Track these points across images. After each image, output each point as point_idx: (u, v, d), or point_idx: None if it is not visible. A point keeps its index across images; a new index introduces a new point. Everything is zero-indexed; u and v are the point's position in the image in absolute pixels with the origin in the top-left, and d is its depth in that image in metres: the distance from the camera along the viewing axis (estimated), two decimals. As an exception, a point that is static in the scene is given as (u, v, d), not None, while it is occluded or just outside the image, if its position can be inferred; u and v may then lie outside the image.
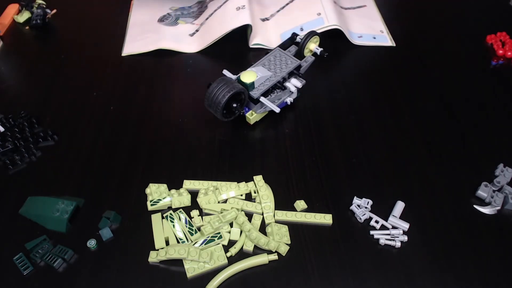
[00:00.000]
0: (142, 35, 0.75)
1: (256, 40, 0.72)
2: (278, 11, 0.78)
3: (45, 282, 0.46)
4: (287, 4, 0.78)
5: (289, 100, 0.61)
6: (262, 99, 0.57)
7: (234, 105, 0.56)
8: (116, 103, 0.64)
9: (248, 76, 0.57)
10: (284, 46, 0.64)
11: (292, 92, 0.61)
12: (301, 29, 0.73)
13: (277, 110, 0.57)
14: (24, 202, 0.51)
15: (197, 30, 0.76)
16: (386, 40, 0.75)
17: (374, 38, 0.75)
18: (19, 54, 0.73)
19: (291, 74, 0.60)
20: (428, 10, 0.82)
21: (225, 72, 0.60)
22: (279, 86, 0.60)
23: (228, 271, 0.46)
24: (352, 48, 0.73)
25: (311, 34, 0.63)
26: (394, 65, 0.71)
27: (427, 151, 0.58)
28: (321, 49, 0.64)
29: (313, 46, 0.64)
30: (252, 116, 0.59)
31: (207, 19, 0.76)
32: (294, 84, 0.60)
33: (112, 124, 0.61)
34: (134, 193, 0.53)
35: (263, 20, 0.75)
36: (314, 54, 0.65)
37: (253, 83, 0.56)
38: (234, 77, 0.58)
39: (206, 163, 0.56)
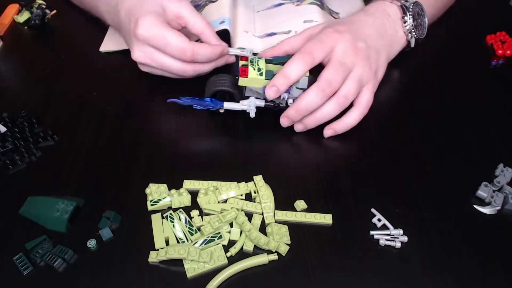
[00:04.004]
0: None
1: (238, 44, 0.70)
2: (261, 11, 0.77)
3: (45, 282, 0.46)
4: (272, 8, 0.77)
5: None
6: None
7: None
8: (117, 103, 0.64)
9: None
10: None
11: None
12: (288, 32, 0.71)
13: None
14: (24, 202, 0.51)
15: None
16: None
17: None
18: (19, 54, 0.73)
19: None
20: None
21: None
22: None
23: (228, 271, 0.46)
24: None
25: None
26: (393, 65, 0.71)
27: (427, 151, 0.58)
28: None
29: None
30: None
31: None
32: None
33: (112, 124, 0.61)
34: (134, 193, 0.53)
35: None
36: None
37: None
38: None
39: (206, 163, 0.56)
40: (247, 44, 0.71)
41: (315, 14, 0.72)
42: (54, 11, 0.78)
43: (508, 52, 0.72)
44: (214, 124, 0.61)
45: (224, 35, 0.68)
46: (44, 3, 0.78)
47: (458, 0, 0.79)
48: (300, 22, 0.71)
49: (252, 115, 0.58)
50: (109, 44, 0.73)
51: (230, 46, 0.69)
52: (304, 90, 0.57)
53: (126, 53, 0.71)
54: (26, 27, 0.78)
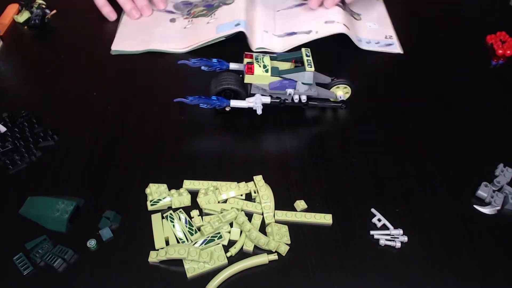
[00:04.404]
0: (133, 34, 0.74)
1: (257, 44, 0.71)
2: (282, 10, 0.77)
3: (45, 282, 0.45)
4: (293, 7, 0.77)
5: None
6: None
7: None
8: (116, 103, 0.64)
9: None
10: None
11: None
12: (309, 32, 0.71)
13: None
14: (24, 202, 0.51)
15: (189, 23, 0.75)
16: (395, 47, 0.73)
17: (387, 44, 0.73)
18: (19, 54, 0.73)
19: None
20: (428, 11, 0.82)
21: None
22: None
23: (228, 271, 0.46)
24: (357, 53, 0.72)
25: (345, 82, 0.61)
26: (392, 64, 0.71)
27: (427, 151, 0.58)
28: (343, 99, 0.61)
29: (340, 92, 0.62)
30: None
31: (197, 17, 0.75)
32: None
33: (112, 124, 0.61)
34: (134, 193, 0.53)
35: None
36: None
37: None
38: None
39: (206, 163, 0.56)
40: (267, 44, 0.71)
41: (337, 15, 0.72)
42: (54, 11, 0.78)
43: (508, 52, 0.72)
44: (214, 124, 0.61)
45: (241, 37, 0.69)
46: (44, 3, 0.78)
47: (458, 0, 0.79)
48: (321, 22, 0.71)
49: (259, 112, 0.58)
50: (120, 45, 0.73)
51: (248, 47, 0.70)
52: (309, 85, 0.57)
53: (127, 53, 0.71)
54: (26, 27, 0.78)
